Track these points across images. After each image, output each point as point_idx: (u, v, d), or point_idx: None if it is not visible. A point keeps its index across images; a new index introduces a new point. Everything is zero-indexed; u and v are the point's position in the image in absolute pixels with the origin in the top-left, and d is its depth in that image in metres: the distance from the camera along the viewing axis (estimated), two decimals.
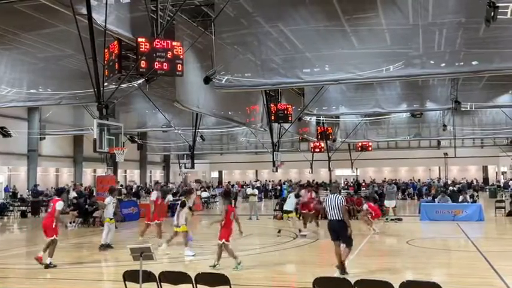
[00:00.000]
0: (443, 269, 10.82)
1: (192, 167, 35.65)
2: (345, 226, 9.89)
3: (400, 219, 21.38)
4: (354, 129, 44.71)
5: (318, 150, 44.74)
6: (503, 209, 23.12)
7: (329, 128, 40.56)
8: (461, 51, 18.92)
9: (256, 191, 25.79)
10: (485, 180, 54.55)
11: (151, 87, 22.34)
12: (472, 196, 24.37)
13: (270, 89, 28.60)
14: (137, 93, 24.63)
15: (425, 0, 16.92)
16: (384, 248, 14.03)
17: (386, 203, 22.01)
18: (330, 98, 32.60)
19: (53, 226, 11.77)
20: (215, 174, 59.37)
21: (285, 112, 29.24)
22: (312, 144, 44.44)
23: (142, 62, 15.28)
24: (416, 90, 31.91)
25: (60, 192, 17.44)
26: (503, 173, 51.22)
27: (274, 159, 33.97)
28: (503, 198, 26.96)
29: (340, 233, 9.93)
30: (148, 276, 7.13)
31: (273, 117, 29.66)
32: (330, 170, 51.27)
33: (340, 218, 9.90)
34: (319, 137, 40.69)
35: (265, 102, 29.87)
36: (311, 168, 49.94)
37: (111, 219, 14.77)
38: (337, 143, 47.70)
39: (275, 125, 32.94)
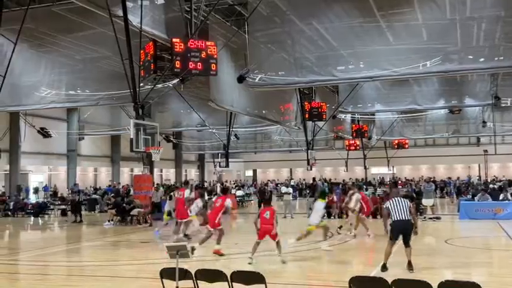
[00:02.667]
0: (483, 268, 10.56)
1: (227, 165, 35.90)
2: (412, 227, 10.13)
3: (438, 218, 20.98)
4: (390, 126, 44.10)
5: (353, 148, 44.32)
6: None
7: (364, 126, 40.11)
8: (500, 46, 18.42)
9: (290, 190, 25.70)
10: None
11: (186, 87, 22.60)
12: None
13: (304, 87, 28.50)
14: (172, 93, 24.95)
15: None
16: (423, 247, 13.75)
17: (424, 201, 21.62)
18: (365, 95, 32.24)
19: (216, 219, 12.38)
20: (249, 173, 59.51)
21: (319, 110, 29.09)
22: (347, 142, 44.04)
23: (177, 62, 15.46)
24: (454, 86, 31.23)
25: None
26: None
27: (309, 157, 33.84)
28: None
29: (406, 232, 10.10)
30: (185, 274, 7.21)
31: (307, 115, 29.55)
32: (365, 168, 50.72)
33: (408, 219, 10.07)
34: (354, 134, 40.28)
35: (299, 100, 29.79)
36: (346, 166, 49.50)
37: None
38: (372, 140, 47.15)
39: (309, 123, 32.81)
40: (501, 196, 23.03)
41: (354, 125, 39.95)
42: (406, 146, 47.85)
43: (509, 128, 48.33)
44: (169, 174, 51.48)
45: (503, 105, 31.76)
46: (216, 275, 7.05)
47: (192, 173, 55.43)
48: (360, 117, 39.70)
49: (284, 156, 53.90)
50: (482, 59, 18.90)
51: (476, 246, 13.56)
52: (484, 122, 45.83)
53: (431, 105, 35.59)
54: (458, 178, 47.42)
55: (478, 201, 22.15)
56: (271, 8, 18.08)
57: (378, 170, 53.05)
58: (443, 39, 18.22)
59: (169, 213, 16.79)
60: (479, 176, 46.86)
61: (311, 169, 35.20)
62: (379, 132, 45.73)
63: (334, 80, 21.08)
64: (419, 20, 17.60)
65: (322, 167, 49.46)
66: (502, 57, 19.05)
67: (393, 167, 53.55)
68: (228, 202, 12.88)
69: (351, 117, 39.77)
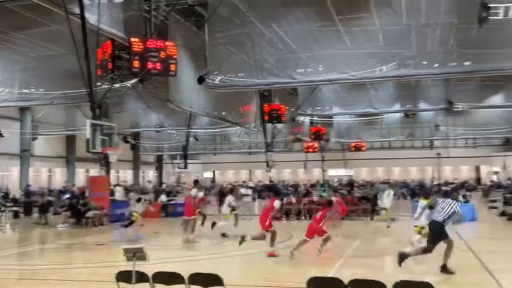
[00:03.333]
0: (436, 268, 10.84)
1: (185, 167, 35.62)
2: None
3: (393, 219, 21.38)
4: (347, 129, 44.77)
5: (312, 150, 44.75)
6: (495, 209, 23.23)
7: (322, 128, 40.58)
8: (454, 52, 19.00)
9: (249, 191, 25.74)
10: (478, 180, 54.77)
11: (145, 87, 22.29)
12: (464, 196, 24.42)
13: (264, 89, 28.62)
14: (130, 93, 24.58)
15: (418, 0, 16.96)
16: (377, 248, 14.03)
17: (380, 203, 22.02)
18: (324, 98, 32.63)
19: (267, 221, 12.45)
20: (208, 175, 59.27)
21: (279, 112, 29.25)
22: (305, 145, 44.46)
23: (135, 61, 15.24)
24: (409, 90, 32.00)
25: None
26: (496, 172, 51.45)
27: (268, 159, 33.99)
28: (496, 198, 27.05)
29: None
30: (141, 277, 7.09)
31: (266, 117, 29.66)
32: (323, 170, 51.35)
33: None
34: (312, 137, 40.70)
35: (258, 102, 29.85)
36: (305, 168, 49.99)
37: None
38: (330, 143, 47.75)
39: (268, 125, 32.95)
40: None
41: (312, 128, 40.36)
42: (363, 148, 48.69)
43: (461, 132, 49.96)
44: (126, 175, 50.61)
45: (456, 109, 32.76)
46: (174, 277, 6.97)
47: (150, 175, 54.71)
48: (319, 120, 40.15)
49: (243, 158, 53.98)
50: (436, 65, 19.45)
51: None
52: (437, 125, 47.22)
53: (387, 109, 36.40)
54: (413, 180, 48.59)
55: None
56: (231, 9, 18.07)
57: (336, 172, 53.86)
58: (399, 44, 18.66)
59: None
60: (433, 178, 48.17)
61: (270, 171, 35.37)
62: (336, 135, 46.36)
63: (293, 82, 21.25)
64: (376, 25, 17.96)
65: (281, 168, 49.77)
66: (455, 63, 19.66)
67: (350, 169, 54.56)
68: (277, 203, 13.00)
69: (310, 119, 40.18)
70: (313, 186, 36.25)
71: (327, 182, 40.50)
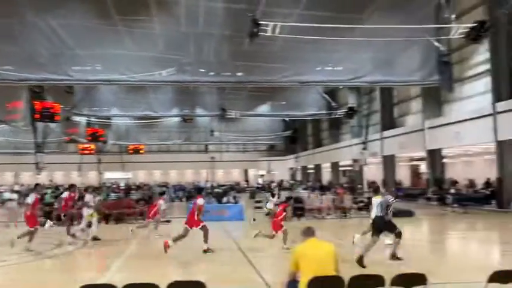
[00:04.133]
0: (208, 267, 11.36)
1: None
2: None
3: (168, 221, 21.72)
4: (126, 131, 44.20)
5: (88, 152, 42.94)
6: (261, 209, 25.39)
7: (100, 130, 39.26)
8: (228, 62, 20.30)
9: (15, 196, 23.47)
10: (246, 182, 59.21)
11: None
12: (234, 197, 26.20)
13: (35, 85, 26.43)
14: None
15: (196, 10, 17.65)
16: (152, 250, 14.11)
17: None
18: (102, 99, 31.68)
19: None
20: None
21: (51, 111, 27.29)
22: (81, 146, 42.44)
23: None
24: (187, 96, 33.09)
25: None
26: (262, 175, 56.38)
27: (38, 160, 31.49)
28: (261, 199, 29.57)
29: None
30: None
31: (37, 116, 27.38)
32: (100, 173, 49.67)
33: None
34: (89, 138, 39.06)
35: (28, 99, 27.46)
36: (79, 170, 47.69)
37: None
38: (108, 145, 46.49)
39: (40, 124, 30.54)
40: (225, 199, 25.31)
41: (89, 129, 38.74)
42: (142, 151, 48.57)
43: (233, 137, 53.63)
44: None
45: (228, 116, 35.02)
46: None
47: None
48: (96, 121, 38.77)
49: (9, 159, 48.87)
50: (212, 73, 20.52)
51: (201, 247, 14.49)
52: (212, 131, 49.77)
53: (166, 113, 37.01)
54: (193, 183, 49.98)
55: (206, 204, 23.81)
56: None
57: (113, 175, 52.59)
58: (179, 50, 19.19)
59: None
60: (207, 180, 50.52)
61: (40, 173, 32.81)
62: (115, 137, 45.36)
63: (69, 80, 20.15)
64: (156, 29, 18.16)
65: (52, 171, 46.57)
66: (229, 73, 21.01)
67: (128, 172, 53.90)
68: (201, 201, 13.33)
69: (87, 120, 38.56)
70: (86, 190, 34.78)
71: (105, 184, 39.27)
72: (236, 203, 24.88)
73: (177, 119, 42.98)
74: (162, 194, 19.49)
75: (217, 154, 57.61)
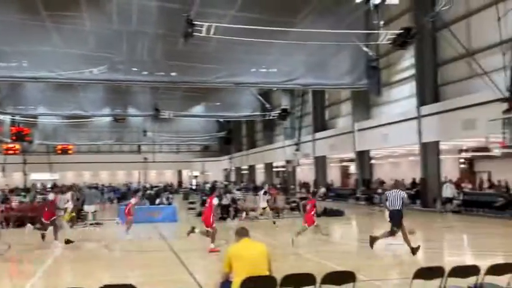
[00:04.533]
0: (140, 270, 11.18)
1: None
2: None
3: (100, 224, 21.16)
4: (53, 131, 42.68)
5: (12, 152, 40.98)
6: (194, 210, 25.29)
7: (26, 129, 37.55)
8: (161, 62, 20.05)
9: None
10: (180, 183, 58.74)
11: None
12: (167, 198, 25.89)
13: None
14: None
15: (129, 8, 17.33)
16: (84, 253, 13.70)
17: (86, 207, 21.52)
18: (28, 97, 30.39)
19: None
20: None
21: None
22: (4, 146, 40.41)
23: None
24: (119, 95, 32.37)
25: None
26: (196, 176, 56.05)
27: None
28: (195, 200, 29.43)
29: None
30: None
31: None
32: (25, 174, 47.51)
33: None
34: (13, 138, 37.23)
35: None
36: (3, 171, 45.43)
37: None
38: (34, 145, 44.60)
39: None
40: (157, 200, 24.95)
41: (13, 128, 37.00)
42: (70, 151, 46.99)
43: (167, 138, 53.03)
44: None
45: (162, 117, 34.57)
46: None
47: None
48: (21, 120, 37.13)
49: None
50: (145, 72, 20.19)
51: (134, 249, 14.25)
52: (145, 131, 48.96)
53: (96, 112, 36.00)
54: (126, 184, 48.86)
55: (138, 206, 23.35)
56: None
57: (40, 176, 50.44)
58: (110, 48, 18.73)
59: None
60: (139, 182, 49.49)
61: None
62: (41, 137, 43.61)
63: None
64: (87, 26, 17.66)
65: None
66: (162, 73, 20.74)
67: (56, 172, 51.95)
68: (215, 200, 14.16)
69: (11, 119, 36.86)
70: (12, 191, 33.28)
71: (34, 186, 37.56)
72: (169, 204, 24.61)
73: (108, 118, 41.91)
74: (136, 192, 19.50)
75: (150, 155, 56.70)
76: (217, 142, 56.19)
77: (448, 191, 23.43)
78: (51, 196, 15.92)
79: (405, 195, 12.41)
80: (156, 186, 42.17)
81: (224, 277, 5.99)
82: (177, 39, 17.73)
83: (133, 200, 17.81)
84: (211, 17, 17.13)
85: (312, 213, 14.25)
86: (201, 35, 16.31)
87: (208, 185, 40.51)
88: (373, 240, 12.40)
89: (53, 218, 14.61)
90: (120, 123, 42.50)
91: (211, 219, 13.46)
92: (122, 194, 38.96)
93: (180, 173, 61.53)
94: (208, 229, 13.42)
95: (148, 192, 31.16)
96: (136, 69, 20.16)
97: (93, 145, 53.00)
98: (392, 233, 12.14)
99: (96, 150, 55.19)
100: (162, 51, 19.86)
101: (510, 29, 17.68)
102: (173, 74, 20.94)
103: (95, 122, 44.03)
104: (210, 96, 36.24)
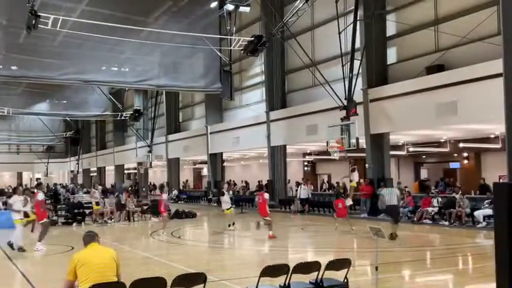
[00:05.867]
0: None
1: None
2: None
3: None
4: None
5: None
6: None
7: None
8: (0, 54, 18.42)
9: None
10: (20, 185, 54.33)
11: None
12: (5, 203, 23.74)
13: None
14: None
15: None
16: None
17: None
18: None
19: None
20: None
21: None
22: None
23: None
24: None
25: None
26: (38, 179, 52.24)
27: None
28: None
29: None
30: None
31: None
32: None
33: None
34: None
35: None
36: None
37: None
38: None
39: None
40: None
41: None
42: None
43: (5, 137, 48.76)
44: None
45: (0, 114, 31.72)
46: None
47: None
48: None
49: None
50: None
51: None
52: None
53: None
54: None
55: None
56: None
57: None
58: None
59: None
60: None
61: None
62: None
63: None
64: None
65: None
66: (1, 66, 19.03)
67: None
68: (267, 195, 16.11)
69: None
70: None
71: None
72: (6, 209, 22.57)
73: None
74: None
75: None
76: (64, 142, 53.14)
77: (303, 192, 24.66)
78: None
79: (398, 193, 14.57)
80: None
81: (68, 286, 5.65)
82: (19, 30, 16.41)
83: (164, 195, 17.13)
84: (59, 10, 16.14)
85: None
86: (46, 27, 15.27)
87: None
88: (392, 236, 13.12)
89: None
90: None
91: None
92: None
93: (20, 175, 56.99)
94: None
95: None
96: None
97: None
98: (395, 222, 13.92)
99: None
100: (2, 42, 18.23)
101: (349, 43, 19.27)
102: (14, 68, 19.34)
103: None
104: (55, 94, 34.12)
